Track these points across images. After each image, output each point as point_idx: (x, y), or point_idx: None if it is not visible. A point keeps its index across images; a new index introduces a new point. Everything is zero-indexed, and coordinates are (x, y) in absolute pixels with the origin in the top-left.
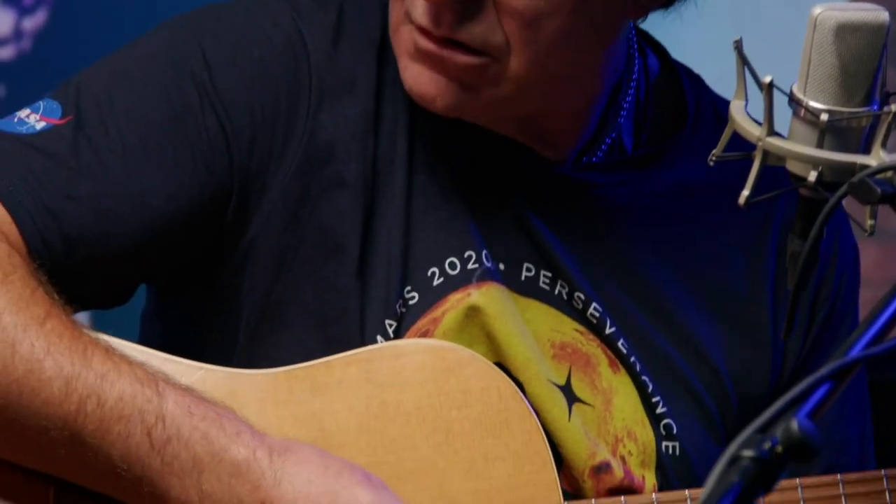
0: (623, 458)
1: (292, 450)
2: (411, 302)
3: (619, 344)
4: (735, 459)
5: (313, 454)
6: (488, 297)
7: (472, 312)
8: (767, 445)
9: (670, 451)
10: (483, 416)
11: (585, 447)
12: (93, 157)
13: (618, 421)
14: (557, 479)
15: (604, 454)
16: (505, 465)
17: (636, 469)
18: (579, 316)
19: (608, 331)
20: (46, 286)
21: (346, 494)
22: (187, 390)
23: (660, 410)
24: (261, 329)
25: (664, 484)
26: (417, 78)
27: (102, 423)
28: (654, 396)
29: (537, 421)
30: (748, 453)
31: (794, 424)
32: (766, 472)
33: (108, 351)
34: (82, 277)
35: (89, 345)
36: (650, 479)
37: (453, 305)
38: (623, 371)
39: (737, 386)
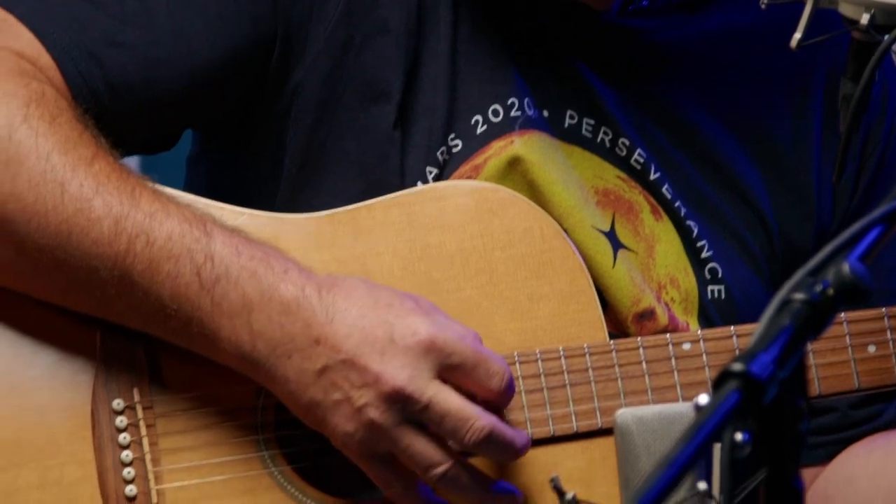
0: (667, 305)
1: (339, 285)
2: (455, 149)
3: (664, 190)
4: (786, 303)
5: (361, 287)
6: (530, 146)
7: (515, 162)
8: (819, 288)
9: (715, 294)
10: (526, 257)
11: (630, 294)
12: (137, 5)
13: (660, 268)
14: (602, 317)
15: (648, 301)
16: (549, 304)
17: (680, 316)
18: (622, 163)
19: (652, 177)
20: (93, 130)
21: (402, 325)
22: (234, 230)
23: (705, 255)
24: (302, 175)
25: (707, 329)
26: None
27: (152, 263)
28: (699, 241)
29: (581, 260)
30: (799, 296)
31: (846, 267)
32: (817, 315)
33: (156, 191)
34: (126, 123)
35: (137, 185)
36: (694, 325)
37: (496, 153)
38: (666, 218)
39: (782, 232)
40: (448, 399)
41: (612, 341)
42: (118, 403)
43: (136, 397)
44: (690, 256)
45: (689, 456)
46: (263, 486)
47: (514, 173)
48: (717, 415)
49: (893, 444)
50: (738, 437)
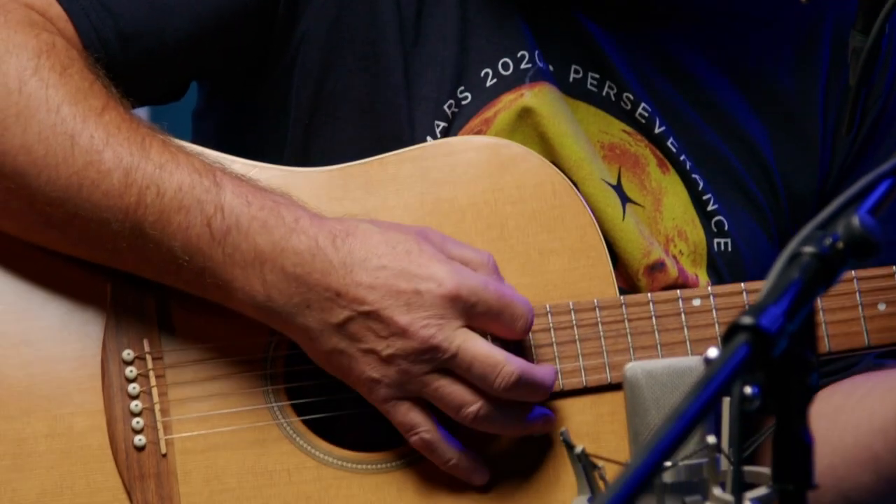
0: (675, 258)
1: (353, 232)
2: (464, 102)
3: (669, 143)
4: (796, 256)
5: (375, 233)
6: (541, 98)
7: (525, 114)
8: (828, 241)
9: (722, 247)
10: (537, 212)
11: (640, 246)
12: None
13: (668, 221)
14: (612, 272)
15: (658, 253)
16: (560, 259)
17: (689, 269)
18: (627, 117)
19: (657, 130)
20: (104, 79)
21: (425, 275)
22: (244, 180)
23: (711, 208)
24: (313, 123)
25: (716, 281)
26: None
27: (163, 214)
28: (704, 194)
29: (592, 215)
30: (809, 249)
31: (856, 220)
32: (826, 269)
33: (166, 142)
34: (136, 73)
35: (147, 136)
36: (703, 277)
37: (506, 106)
38: (672, 171)
39: (786, 182)
40: (476, 347)
41: (621, 297)
42: (128, 354)
43: (146, 348)
44: (698, 209)
45: (699, 409)
46: (272, 437)
47: (525, 125)
48: (727, 368)
49: (855, 384)
50: (748, 390)
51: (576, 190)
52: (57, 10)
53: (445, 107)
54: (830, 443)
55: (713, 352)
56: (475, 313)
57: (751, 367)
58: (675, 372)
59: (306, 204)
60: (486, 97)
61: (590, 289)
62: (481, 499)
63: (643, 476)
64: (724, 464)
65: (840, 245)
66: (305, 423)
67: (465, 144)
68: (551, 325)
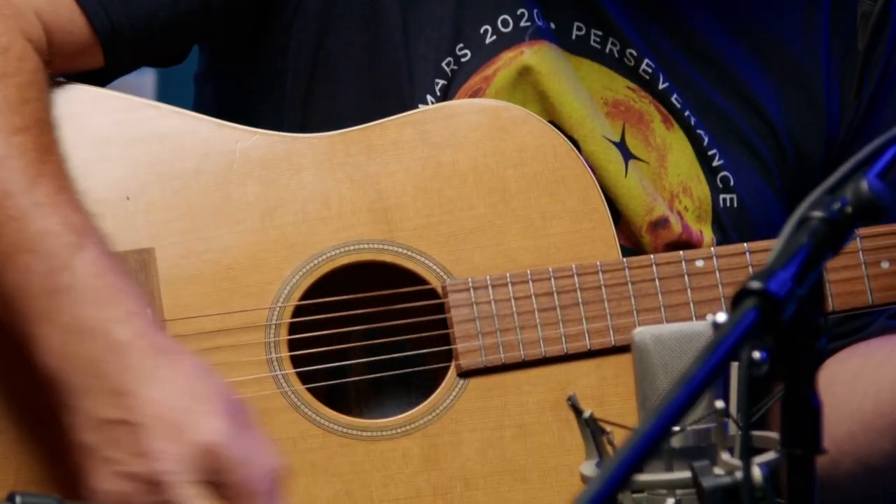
0: (679, 214)
1: (174, 355)
2: (463, 59)
3: (673, 99)
4: (804, 220)
5: (192, 370)
6: (541, 56)
7: (525, 72)
8: (837, 206)
9: (727, 203)
10: (539, 175)
11: (643, 203)
12: None
13: (673, 177)
14: (615, 235)
15: (661, 209)
16: (562, 222)
17: (693, 224)
18: (631, 73)
19: (661, 86)
20: (46, 99)
21: (200, 419)
22: (113, 257)
23: (716, 163)
24: (313, 84)
25: (722, 238)
26: None
27: (13, 247)
28: (710, 150)
29: (593, 178)
30: (817, 214)
31: (864, 184)
32: (835, 233)
33: (63, 188)
34: (139, 37)
35: (47, 174)
36: (707, 234)
37: (506, 64)
38: (677, 127)
39: (792, 140)
40: None
41: (624, 259)
42: None
43: (149, 317)
44: (703, 164)
45: (707, 374)
46: (277, 406)
47: (525, 84)
48: (735, 333)
49: (873, 348)
50: (756, 354)
51: (577, 152)
52: None
53: (444, 64)
54: (849, 409)
55: (721, 316)
56: (219, 480)
57: (759, 332)
58: (684, 336)
59: (309, 171)
60: (485, 55)
61: (592, 251)
62: (487, 465)
63: (651, 441)
64: (733, 429)
65: (848, 209)
66: (310, 391)
67: (465, 107)
68: (554, 288)
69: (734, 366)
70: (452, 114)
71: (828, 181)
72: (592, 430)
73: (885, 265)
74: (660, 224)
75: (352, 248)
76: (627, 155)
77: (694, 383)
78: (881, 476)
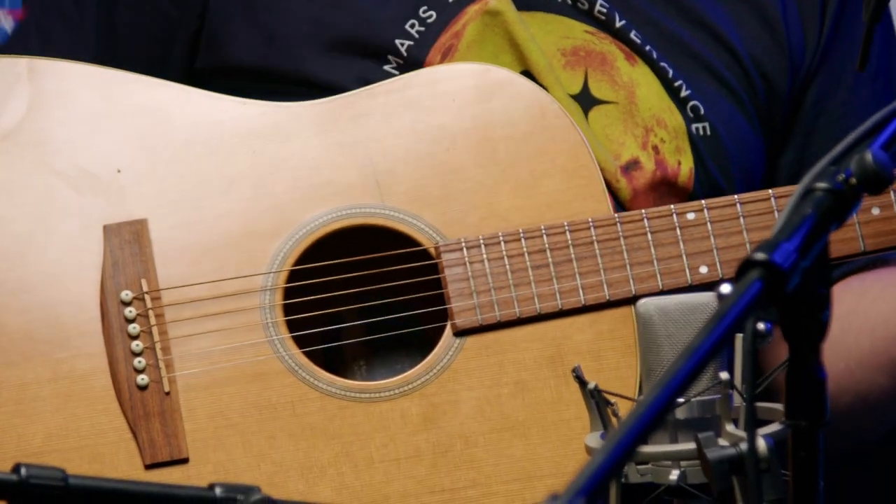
0: (656, 148)
1: None
2: (429, 21)
3: (632, 35)
4: (809, 192)
5: None
6: (504, 3)
7: (492, 18)
8: (841, 177)
9: (701, 132)
10: (528, 134)
11: (609, 149)
12: None
13: (644, 112)
14: (605, 190)
15: (631, 151)
16: (552, 180)
17: (670, 157)
18: (586, 16)
19: (618, 24)
20: None
21: None
22: None
23: (684, 94)
24: (275, 67)
25: (700, 167)
26: None
27: None
28: (675, 81)
29: (581, 134)
30: (822, 185)
31: (868, 156)
32: (840, 204)
33: None
34: None
35: None
36: (686, 164)
37: (472, 17)
38: (640, 61)
39: (758, 69)
40: None
41: (616, 214)
42: (126, 294)
43: (144, 287)
44: (671, 96)
45: (711, 346)
46: (274, 370)
47: (494, 33)
48: (740, 304)
49: (867, 284)
50: (761, 326)
51: (564, 110)
52: None
53: (408, 26)
54: (846, 346)
55: (726, 288)
56: None
57: (764, 304)
58: (688, 308)
59: (298, 139)
60: (451, 12)
61: (583, 208)
62: (486, 422)
63: (656, 412)
64: (737, 400)
65: (853, 181)
66: (307, 355)
67: (450, 72)
68: (546, 245)
69: (739, 337)
70: (437, 79)
71: (832, 152)
72: (597, 401)
73: (875, 211)
74: (631, 166)
75: (344, 213)
76: (590, 102)
77: (698, 355)
78: (880, 410)
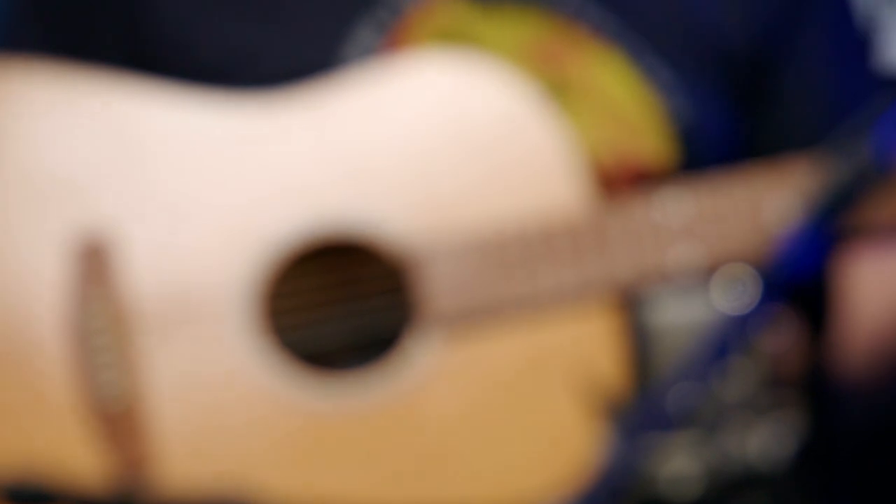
0: (633, 132)
1: None
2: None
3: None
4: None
5: None
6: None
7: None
8: None
9: (675, 110)
10: (509, 133)
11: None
12: None
13: (615, 94)
14: (589, 186)
15: (606, 147)
16: (536, 180)
17: (648, 138)
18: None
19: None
20: None
21: None
22: None
23: (652, 71)
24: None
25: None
26: None
27: None
28: (640, 58)
29: (561, 131)
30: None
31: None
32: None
33: None
34: None
35: None
36: (665, 147)
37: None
38: (600, 44)
39: (724, 41)
40: None
41: (599, 209)
42: (93, 305)
43: (112, 298)
44: (639, 74)
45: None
46: (253, 379)
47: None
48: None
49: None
50: None
51: (545, 106)
52: None
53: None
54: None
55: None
56: None
57: None
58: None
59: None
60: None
61: (566, 205)
62: (467, 432)
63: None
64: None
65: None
66: (290, 360)
67: (428, 64)
68: (529, 246)
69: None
70: (415, 71)
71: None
72: None
73: None
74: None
75: (320, 222)
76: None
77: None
78: None
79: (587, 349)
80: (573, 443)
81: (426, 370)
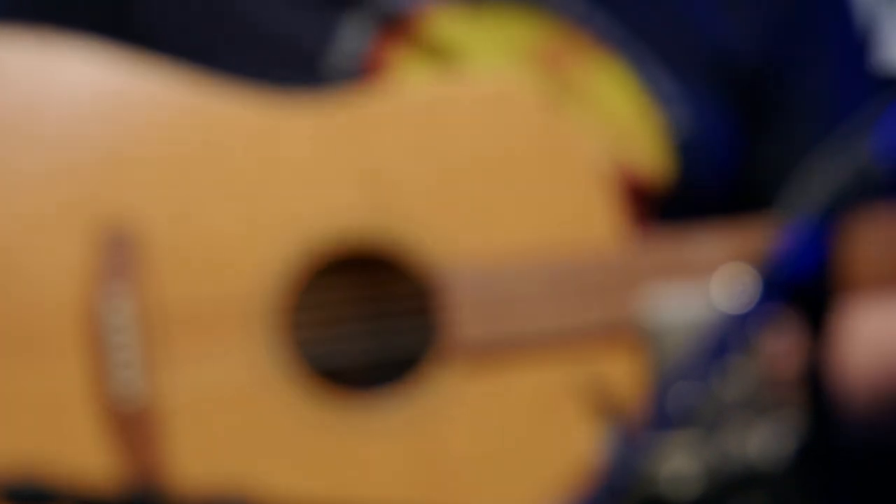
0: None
1: None
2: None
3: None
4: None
5: None
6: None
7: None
8: None
9: (677, 123)
10: (539, 152)
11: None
12: None
13: (617, 105)
14: (621, 209)
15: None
16: (566, 200)
17: (646, 151)
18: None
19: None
20: None
21: None
22: None
23: (654, 84)
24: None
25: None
26: None
27: None
28: (642, 70)
29: (594, 149)
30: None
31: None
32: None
33: None
34: None
35: None
36: (663, 161)
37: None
38: (605, 53)
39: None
40: None
41: (632, 237)
42: (111, 303)
43: (131, 296)
44: (642, 86)
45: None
46: (272, 388)
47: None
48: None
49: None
50: None
51: (576, 127)
52: None
53: None
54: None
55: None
56: None
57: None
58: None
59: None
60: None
61: (595, 228)
62: (481, 448)
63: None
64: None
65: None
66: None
67: (467, 84)
68: (555, 269)
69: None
70: (456, 91)
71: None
72: None
73: None
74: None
75: (352, 235)
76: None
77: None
78: None
79: (611, 388)
80: None
81: (446, 397)
